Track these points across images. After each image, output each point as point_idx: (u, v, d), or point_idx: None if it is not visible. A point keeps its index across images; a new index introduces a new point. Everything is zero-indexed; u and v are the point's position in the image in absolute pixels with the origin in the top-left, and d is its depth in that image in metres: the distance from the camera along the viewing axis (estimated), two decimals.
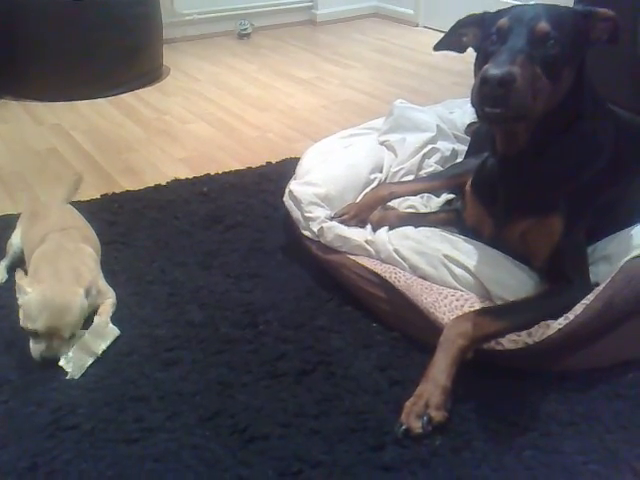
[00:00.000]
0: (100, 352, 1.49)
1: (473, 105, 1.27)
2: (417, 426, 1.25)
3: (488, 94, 1.21)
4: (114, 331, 1.54)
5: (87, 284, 1.51)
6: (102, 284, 1.64)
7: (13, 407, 1.35)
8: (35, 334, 1.44)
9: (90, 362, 1.46)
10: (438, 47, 1.52)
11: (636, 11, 2.31)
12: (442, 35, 1.51)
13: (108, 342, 1.52)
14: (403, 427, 1.25)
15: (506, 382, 1.38)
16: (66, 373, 1.43)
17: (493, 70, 1.19)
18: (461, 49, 1.49)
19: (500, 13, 1.36)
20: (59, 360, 1.45)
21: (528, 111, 1.25)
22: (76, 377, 1.43)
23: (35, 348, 1.45)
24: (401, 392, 1.35)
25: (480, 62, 1.35)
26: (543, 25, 1.27)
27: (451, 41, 1.50)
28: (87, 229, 1.81)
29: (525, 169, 1.44)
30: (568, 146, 1.42)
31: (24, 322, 1.45)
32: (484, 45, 1.34)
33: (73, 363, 1.44)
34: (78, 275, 1.55)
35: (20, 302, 1.48)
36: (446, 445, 1.24)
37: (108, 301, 1.61)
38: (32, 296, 1.45)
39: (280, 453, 1.23)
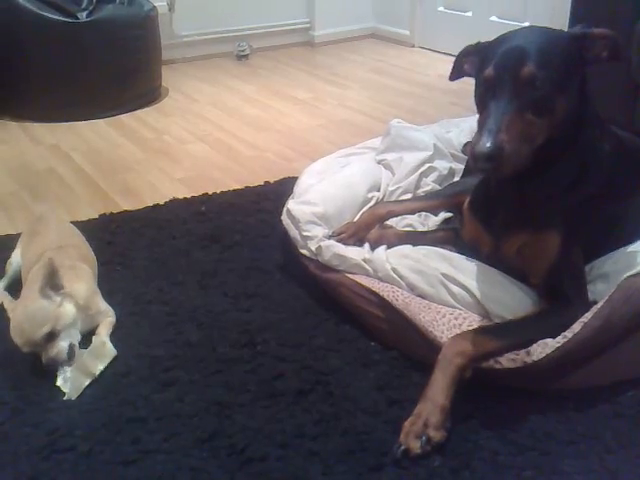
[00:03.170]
0: (98, 373, 1.48)
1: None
2: (416, 446, 1.24)
3: (480, 167, 1.27)
4: (112, 351, 1.54)
5: (41, 284, 1.49)
6: (100, 303, 1.64)
7: (9, 429, 1.34)
8: (33, 353, 1.45)
9: (87, 383, 1.46)
10: (452, 77, 1.56)
11: (631, 34, 2.33)
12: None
13: (106, 363, 1.51)
14: (402, 447, 1.24)
15: (505, 401, 1.37)
16: (63, 394, 1.42)
17: (481, 148, 1.24)
18: (471, 75, 1.51)
19: (490, 49, 1.36)
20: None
21: (521, 160, 1.28)
22: (73, 398, 1.42)
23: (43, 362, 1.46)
24: (400, 412, 1.34)
25: (476, 104, 1.37)
26: (528, 69, 1.28)
27: (459, 71, 1.53)
28: (85, 248, 1.81)
29: (523, 186, 1.44)
30: (567, 163, 1.43)
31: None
32: (478, 89, 1.36)
33: (70, 384, 1.43)
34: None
35: None
36: (445, 465, 1.23)
37: (107, 320, 1.60)
38: (9, 325, 1.47)
39: (278, 475, 1.22)
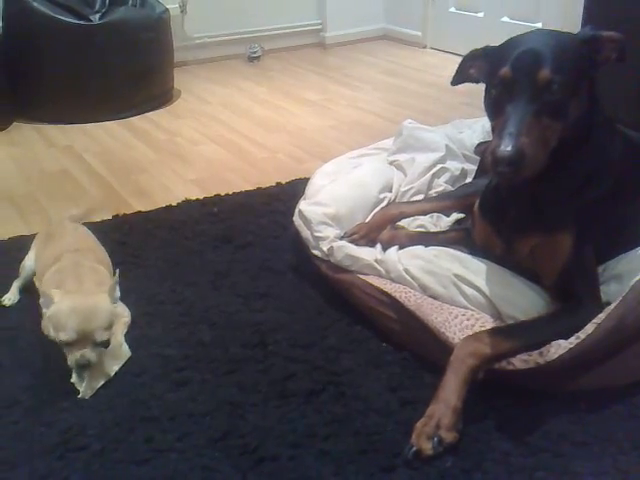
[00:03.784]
0: (113, 373, 1.49)
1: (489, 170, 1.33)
2: (428, 447, 1.24)
3: (501, 172, 1.25)
4: (127, 352, 1.55)
5: (109, 287, 1.52)
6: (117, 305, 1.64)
7: (23, 428, 1.35)
8: (68, 343, 1.43)
9: (102, 383, 1.47)
10: (454, 82, 1.55)
11: None
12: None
13: (121, 363, 1.52)
14: (414, 448, 1.24)
15: (517, 402, 1.37)
16: (77, 392, 1.43)
17: (502, 151, 1.23)
18: (475, 80, 1.51)
19: (502, 51, 1.36)
20: (90, 364, 1.44)
21: (539, 164, 1.28)
22: (87, 397, 1.43)
23: (70, 357, 1.43)
24: (412, 413, 1.34)
25: (489, 107, 1.37)
26: (545, 73, 1.27)
27: (463, 75, 1.52)
28: (100, 251, 1.82)
29: (534, 188, 1.44)
30: (577, 164, 1.42)
31: (55, 334, 1.44)
32: (491, 90, 1.35)
33: (86, 383, 1.44)
34: (101, 283, 1.56)
35: (48, 314, 1.46)
36: (457, 466, 1.22)
37: (122, 320, 1.61)
38: (60, 305, 1.44)
39: (290, 474, 1.23)
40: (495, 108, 1.33)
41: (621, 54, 1.36)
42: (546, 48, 1.30)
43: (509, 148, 1.23)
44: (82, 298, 1.47)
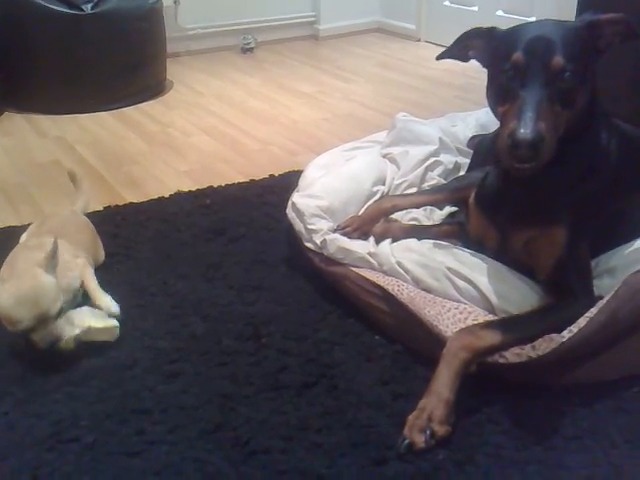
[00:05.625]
0: (86, 326, 1.49)
1: (501, 161, 1.33)
2: (420, 440, 1.24)
3: (520, 155, 1.24)
4: (110, 321, 1.53)
5: (42, 259, 1.48)
6: (66, 258, 1.58)
7: (13, 419, 1.35)
8: (28, 330, 1.43)
9: (71, 334, 1.46)
10: (442, 56, 1.54)
11: None
12: (443, 47, 1.53)
13: (100, 323, 1.51)
14: (406, 441, 1.24)
15: (510, 395, 1.37)
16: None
17: (523, 134, 1.22)
18: (465, 59, 1.50)
19: (510, 37, 1.35)
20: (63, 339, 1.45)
21: (553, 151, 1.27)
22: (44, 347, 1.44)
23: (39, 339, 1.44)
24: (404, 406, 1.34)
25: (495, 93, 1.36)
26: (558, 60, 1.27)
27: (456, 51, 1.50)
28: (81, 241, 1.77)
29: (531, 180, 1.43)
30: (574, 157, 1.42)
31: (10, 326, 1.44)
32: (500, 77, 1.34)
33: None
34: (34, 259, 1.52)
35: None
36: (449, 459, 1.22)
37: (80, 263, 1.59)
38: (1, 300, 1.43)
39: (282, 467, 1.22)
40: (504, 93, 1.32)
41: (629, 32, 1.34)
42: (556, 36, 1.30)
43: (529, 131, 1.22)
44: (18, 284, 1.44)
